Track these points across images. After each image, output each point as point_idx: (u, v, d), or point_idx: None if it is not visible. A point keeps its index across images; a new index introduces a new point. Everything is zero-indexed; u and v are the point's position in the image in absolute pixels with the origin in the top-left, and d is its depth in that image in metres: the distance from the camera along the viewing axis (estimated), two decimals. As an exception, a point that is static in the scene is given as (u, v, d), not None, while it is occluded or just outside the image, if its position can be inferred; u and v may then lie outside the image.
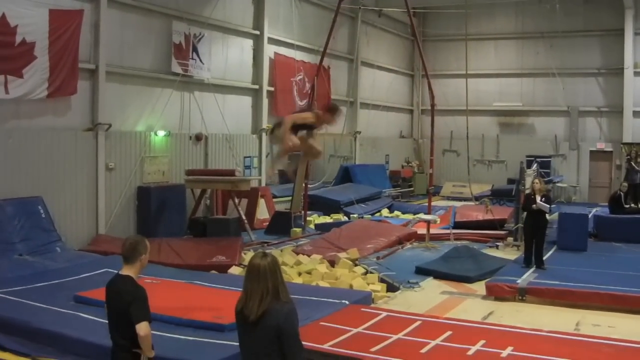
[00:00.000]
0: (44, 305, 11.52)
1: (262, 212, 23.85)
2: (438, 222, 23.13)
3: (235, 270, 15.59)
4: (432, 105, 22.30)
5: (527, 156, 33.91)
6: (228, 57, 24.53)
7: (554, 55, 35.87)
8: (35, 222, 16.67)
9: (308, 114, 11.41)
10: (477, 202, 27.63)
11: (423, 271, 16.64)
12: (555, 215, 22.05)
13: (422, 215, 23.05)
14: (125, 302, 6.48)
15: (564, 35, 35.62)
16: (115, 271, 6.98)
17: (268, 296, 5.50)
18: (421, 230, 21.61)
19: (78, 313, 11.10)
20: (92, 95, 18.79)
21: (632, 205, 25.78)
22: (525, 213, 17.37)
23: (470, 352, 9.56)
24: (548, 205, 16.73)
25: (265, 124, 26.09)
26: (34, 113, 17.18)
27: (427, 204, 23.39)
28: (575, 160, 36.98)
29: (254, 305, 5.49)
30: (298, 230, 22.08)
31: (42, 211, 16.93)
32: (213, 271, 15.58)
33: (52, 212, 17.21)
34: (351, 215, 25.93)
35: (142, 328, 6.42)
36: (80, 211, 18.45)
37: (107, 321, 6.82)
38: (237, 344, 5.86)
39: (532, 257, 16.38)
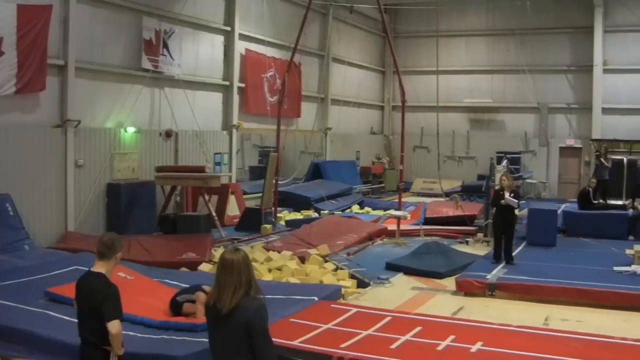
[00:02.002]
0: (13, 304, 11.40)
1: (233, 209, 23.80)
2: (408, 218, 23.20)
3: (205, 267, 15.55)
4: (403, 101, 22.42)
5: (497, 152, 34.10)
6: (199, 53, 24.42)
7: (524, 52, 36.16)
8: (3, 219, 16.45)
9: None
10: (447, 198, 27.77)
11: (393, 267, 16.70)
12: (524, 211, 22.22)
13: (392, 212, 23.15)
14: (97, 300, 6.44)
15: (534, 32, 35.92)
16: (85, 268, 6.93)
17: (241, 289, 5.52)
18: (391, 226, 21.67)
19: (47, 311, 11.02)
20: (61, 91, 18.61)
21: (601, 201, 25.99)
22: (494, 209, 17.47)
23: (439, 348, 9.62)
24: (516, 201, 16.81)
25: (236, 120, 26.05)
26: (2, 109, 16.94)
27: (397, 200, 23.48)
28: (544, 157, 37.27)
29: (227, 298, 5.50)
30: (268, 226, 22.05)
31: (10, 209, 16.72)
32: (183, 268, 15.55)
33: (20, 210, 17.01)
34: (321, 212, 25.92)
35: (114, 326, 6.40)
36: (49, 208, 18.28)
37: (76, 319, 6.77)
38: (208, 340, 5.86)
39: (502, 253, 16.48)
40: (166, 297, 11.87)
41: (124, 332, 6.66)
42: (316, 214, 25.57)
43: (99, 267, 6.67)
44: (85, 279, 6.72)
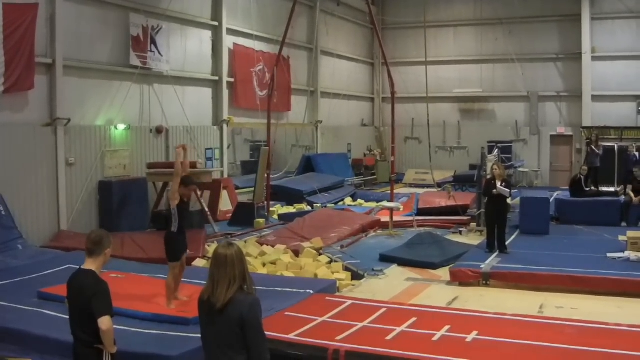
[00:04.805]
0: (7, 304, 11.38)
1: (225, 204, 23.78)
2: (401, 209, 23.22)
3: (199, 262, 15.53)
4: (393, 93, 22.46)
5: (489, 142, 34.19)
6: (187, 49, 24.36)
7: (512, 41, 36.12)
8: (-5, 219, 16.47)
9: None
10: (439, 189, 27.78)
11: (387, 258, 16.75)
12: (517, 200, 22.25)
13: (385, 203, 23.15)
14: (87, 297, 6.40)
15: (522, 21, 36.00)
16: (79, 267, 6.90)
17: (235, 283, 5.52)
18: (384, 218, 21.68)
19: (42, 310, 11.00)
20: (50, 90, 18.54)
21: (593, 188, 25.99)
22: (487, 198, 17.48)
23: (435, 338, 9.61)
24: (508, 190, 16.84)
25: (226, 115, 26.01)
26: (-9, 109, 16.96)
27: (390, 192, 23.48)
28: (536, 145, 37.29)
29: (222, 292, 5.49)
30: (261, 220, 22.03)
31: (1, 208, 16.65)
32: (177, 264, 15.51)
33: (12, 209, 16.96)
34: (314, 205, 25.93)
35: (104, 322, 6.36)
36: (41, 207, 18.23)
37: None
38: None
39: (495, 242, 16.50)
40: (158, 290, 11.89)
41: (115, 326, 6.63)
42: (309, 207, 25.56)
43: (89, 265, 6.64)
44: (75, 276, 6.69)
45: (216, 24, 25.75)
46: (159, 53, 22.43)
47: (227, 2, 25.99)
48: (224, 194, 23.91)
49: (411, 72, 36.71)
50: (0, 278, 13.29)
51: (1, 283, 12.95)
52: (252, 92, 28.00)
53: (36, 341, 9.72)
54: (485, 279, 14.32)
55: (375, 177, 37.05)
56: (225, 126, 26.07)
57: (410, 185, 35.76)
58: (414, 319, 10.60)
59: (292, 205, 26.37)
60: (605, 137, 33.12)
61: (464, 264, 15.10)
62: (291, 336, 9.49)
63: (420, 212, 23.56)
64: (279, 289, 12.42)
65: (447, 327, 10.05)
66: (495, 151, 25.80)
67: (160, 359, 8.89)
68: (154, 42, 22.15)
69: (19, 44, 17.08)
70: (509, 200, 17.51)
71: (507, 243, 16.83)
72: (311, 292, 12.37)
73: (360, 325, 10.25)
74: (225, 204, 23.78)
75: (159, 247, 16.67)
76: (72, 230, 18.76)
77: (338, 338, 9.47)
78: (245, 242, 18.06)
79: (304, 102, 30.73)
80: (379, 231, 20.83)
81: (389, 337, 9.62)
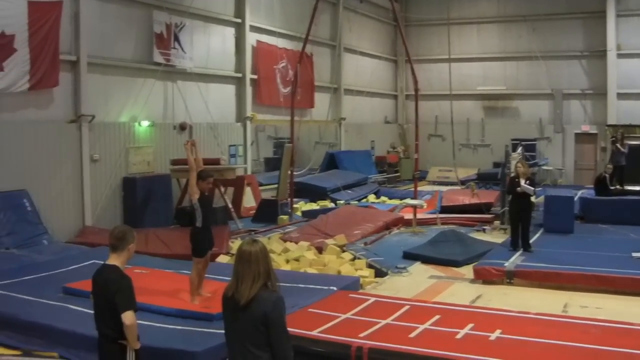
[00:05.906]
0: (33, 298, 11.48)
1: (249, 201, 23.82)
2: (424, 207, 23.10)
3: (223, 259, 15.57)
4: (416, 90, 22.34)
5: (513, 140, 33.89)
6: (210, 46, 24.42)
7: (536, 38, 35.98)
8: (20, 215, 16.58)
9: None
10: (463, 186, 27.68)
11: (411, 256, 16.70)
12: (541, 198, 22.13)
13: (408, 201, 23.10)
14: (111, 292, 6.44)
15: (546, 18, 35.82)
16: (103, 262, 6.95)
17: (259, 280, 5.52)
18: (408, 215, 21.64)
19: (67, 305, 11.08)
20: (74, 87, 18.66)
21: (618, 187, 25.82)
22: (510, 196, 17.40)
23: (458, 336, 9.58)
24: (532, 188, 16.73)
25: (250, 112, 26.05)
26: (16, 106, 17.02)
27: (413, 189, 23.42)
28: (560, 143, 37.05)
29: (246, 288, 5.49)
30: (285, 217, 22.08)
31: (27, 204, 16.84)
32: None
33: (38, 205, 17.12)
34: (338, 202, 25.91)
35: (128, 317, 6.39)
36: (66, 203, 18.35)
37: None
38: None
39: (519, 240, 16.41)
40: (181, 285, 11.94)
41: (139, 322, 6.67)
42: (332, 204, 25.55)
43: (113, 260, 6.69)
44: (100, 272, 6.74)
45: (239, 21, 25.80)
46: (182, 50, 22.51)
47: (250, -1, 26.07)
48: (248, 190, 23.95)
49: (434, 69, 36.61)
50: (26, 273, 13.39)
51: (27, 278, 13.04)
52: (276, 89, 28.04)
53: (62, 336, 9.81)
54: (509, 278, 14.24)
55: (398, 174, 36.99)
56: (248, 123, 26.12)
57: (434, 183, 35.74)
58: (438, 316, 10.57)
59: (315, 202, 26.38)
60: (631, 135, 32.75)
61: (487, 262, 15.05)
62: (314, 333, 9.49)
63: (444, 209, 23.51)
64: (303, 286, 12.44)
65: (470, 325, 10.00)
66: (519, 149, 25.67)
67: (184, 354, 8.94)
68: (177, 39, 22.24)
69: (43, 42, 17.20)
70: (533, 199, 17.42)
71: (531, 241, 16.73)
72: (335, 289, 12.38)
73: (383, 322, 10.23)
74: (249, 201, 23.83)
75: (183, 242, 16.75)
76: (96, 225, 18.87)
77: (361, 335, 9.46)
78: (269, 238, 18.09)
79: (327, 99, 30.73)
80: (402, 228, 20.77)
81: (412, 335, 9.61)
